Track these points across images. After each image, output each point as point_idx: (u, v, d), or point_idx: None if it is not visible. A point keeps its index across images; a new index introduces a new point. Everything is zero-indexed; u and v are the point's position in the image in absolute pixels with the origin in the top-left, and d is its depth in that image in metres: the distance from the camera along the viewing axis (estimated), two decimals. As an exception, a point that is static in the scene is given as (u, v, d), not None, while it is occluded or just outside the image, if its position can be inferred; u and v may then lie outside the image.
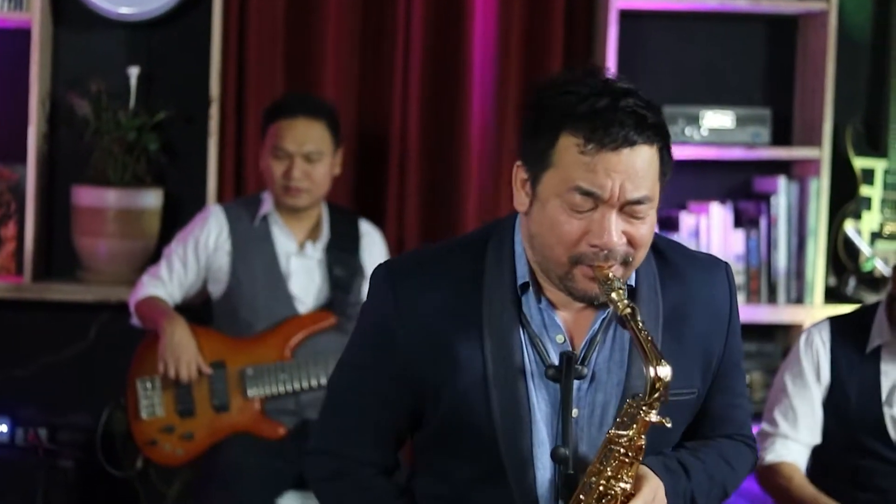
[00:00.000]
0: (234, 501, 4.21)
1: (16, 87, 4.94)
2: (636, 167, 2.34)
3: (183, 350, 4.29)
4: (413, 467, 2.66)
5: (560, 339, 2.46)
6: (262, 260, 4.45)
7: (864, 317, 3.85)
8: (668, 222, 5.11)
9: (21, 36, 4.89)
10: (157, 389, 4.39)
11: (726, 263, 2.62)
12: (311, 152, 4.41)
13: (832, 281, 5.14)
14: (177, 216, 5.02)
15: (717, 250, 5.04)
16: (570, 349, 2.46)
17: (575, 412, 2.44)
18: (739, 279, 5.06)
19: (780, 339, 5.18)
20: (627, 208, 2.35)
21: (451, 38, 5.01)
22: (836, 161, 5.13)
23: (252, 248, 4.45)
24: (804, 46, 5.23)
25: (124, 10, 4.94)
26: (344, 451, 2.57)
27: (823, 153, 5.06)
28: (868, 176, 5.14)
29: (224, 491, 4.23)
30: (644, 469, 2.41)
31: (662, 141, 2.40)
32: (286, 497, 4.33)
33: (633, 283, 2.48)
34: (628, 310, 2.33)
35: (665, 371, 2.30)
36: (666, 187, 2.45)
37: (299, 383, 4.34)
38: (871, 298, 5.00)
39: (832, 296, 5.12)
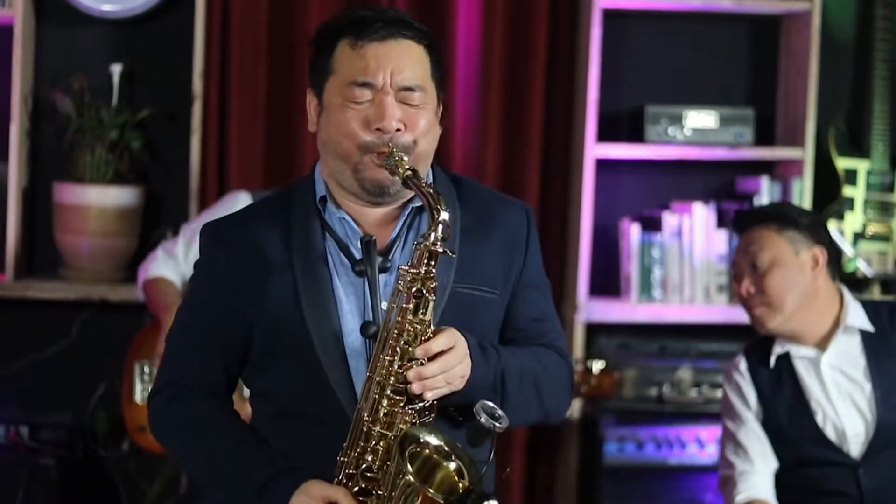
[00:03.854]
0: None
1: (-2, 84, 4.94)
2: (403, 57, 2.59)
3: None
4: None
5: (360, 241, 2.63)
6: None
7: (769, 338, 3.87)
8: (650, 222, 5.11)
9: (3, 33, 4.88)
10: (152, 375, 4.38)
11: (527, 206, 2.81)
12: None
13: (815, 281, 5.14)
14: (159, 214, 5.02)
15: (699, 250, 5.05)
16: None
17: (384, 305, 2.58)
18: (722, 280, 5.06)
19: (763, 339, 5.19)
20: (402, 95, 2.58)
21: (434, 37, 5.00)
22: (819, 161, 5.14)
23: None
24: (787, 47, 5.23)
25: (107, 8, 4.93)
26: (177, 381, 2.71)
27: (806, 153, 5.07)
28: (851, 176, 5.15)
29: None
30: (448, 326, 2.52)
31: (427, 40, 2.66)
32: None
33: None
34: (409, 171, 2.52)
35: (445, 214, 2.47)
36: (442, 89, 2.66)
37: None
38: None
39: (814, 296, 5.12)
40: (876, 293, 5.07)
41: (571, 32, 5.12)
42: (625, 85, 5.23)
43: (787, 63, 5.24)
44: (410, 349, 2.47)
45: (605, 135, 5.02)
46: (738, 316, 5.04)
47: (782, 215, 3.80)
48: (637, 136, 5.08)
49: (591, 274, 5.02)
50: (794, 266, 3.75)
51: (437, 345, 2.47)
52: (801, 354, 3.79)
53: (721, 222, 5.10)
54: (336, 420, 2.54)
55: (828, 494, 3.73)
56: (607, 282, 5.13)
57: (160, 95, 5.02)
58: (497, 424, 2.47)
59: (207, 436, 2.67)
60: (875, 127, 5.14)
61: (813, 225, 3.79)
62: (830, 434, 3.73)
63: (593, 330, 5.05)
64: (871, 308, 3.82)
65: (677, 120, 5.06)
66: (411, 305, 2.47)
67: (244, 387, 4.27)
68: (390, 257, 2.62)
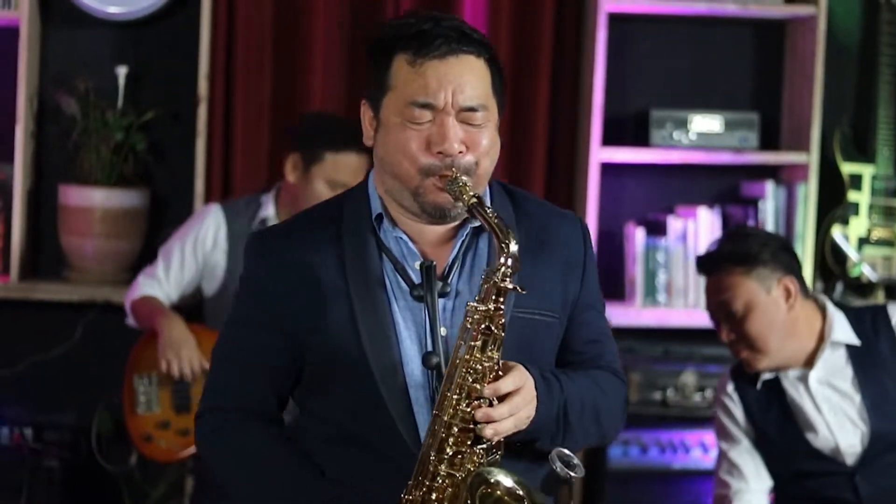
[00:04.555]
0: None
1: (3, 85, 4.94)
2: (465, 75, 2.49)
3: (183, 346, 4.29)
4: (297, 422, 2.69)
5: (419, 265, 2.55)
6: None
7: None
8: (655, 226, 5.11)
9: (9, 34, 4.88)
10: (153, 385, 4.39)
11: (582, 220, 2.72)
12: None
13: (819, 286, 5.14)
14: (164, 216, 5.02)
15: (704, 254, 5.04)
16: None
17: (443, 331, 2.51)
18: (726, 283, 5.06)
19: (767, 343, 5.18)
20: (463, 115, 2.49)
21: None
22: (824, 166, 5.13)
23: None
24: (793, 51, 5.23)
25: (113, 10, 4.93)
26: (226, 405, 2.62)
27: (811, 158, 5.07)
28: (856, 181, 5.15)
29: (218, 496, 4.25)
30: (514, 363, 2.46)
31: (488, 53, 2.55)
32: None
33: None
34: (474, 199, 2.44)
35: (514, 245, 2.39)
36: (504, 102, 2.59)
37: None
38: (858, 304, 5.00)
39: (819, 301, 5.12)
40: (880, 298, 5.06)
41: (577, 37, 5.12)
42: (630, 89, 5.23)
43: (792, 67, 5.24)
44: (478, 387, 2.40)
45: (609, 139, 5.02)
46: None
47: (745, 256, 3.73)
48: (642, 140, 5.07)
49: (595, 278, 5.01)
50: (769, 305, 3.72)
51: (506, 385, 2.41)
52: (788, 375, 3.79)
53: (726, 226, 5.10)
54: (395, 452, 2.49)
55: (827, 502, 3.73)
56: (612, 286, 5.13)
57: (165, 97, 5.02)
58: (572, 473, 2.42)
59: (263, 466, 2.58)
60: (880, 132, 5.14)
61: (775, 254, 3.74)
62: (823, 448, 3.73)
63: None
64: (853, 317, 3.81)
65: (682, 124, 5.06)
66: (479, 343, 2.40)
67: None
68: (449, 281, 2.54)
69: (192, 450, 4.39)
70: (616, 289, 5.13)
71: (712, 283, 3.79)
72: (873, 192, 5.15)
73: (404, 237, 2.56)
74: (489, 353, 2.41)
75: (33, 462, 4.62)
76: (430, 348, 2.51)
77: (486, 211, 2.43)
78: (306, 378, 2.61)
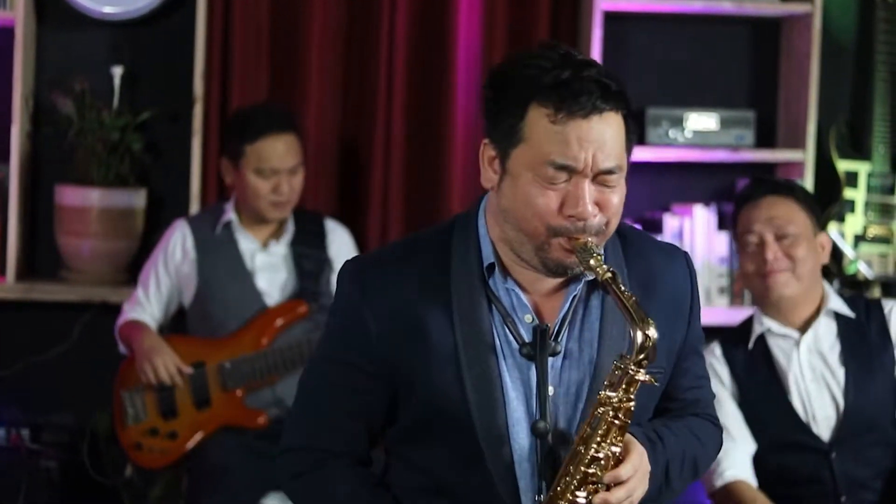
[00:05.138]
0: (220, 502, 4.27)
1: (-1, 85, 4.94)
2: (605, 135, 2.38)
3: (156, 353, 4.36)
4: (387, 462, 2.63)
5: (529, 318, 2.47)
6: (227, 260, 4.50)
7: (746, 322, 3.96)
8: (651, 224, 5.11)
9: (5, 34, 4.87)
10: (139, 395, 4.45)
11: (685, 252, 2.65)
12: (293, 166, 4.48)
13: (815, 283, 5.14)
14: (161, 216, 5.02)
15: (700, 253, 5.05)
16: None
17: (551, 390, 2.44)
18: (723, 282, 5.07)
19: (763, 341, 5.19)
20: (600, 178, 2.38)
21: (435, 41, 5.01)
22: (820, 164, 5.14)
23: (216, 250, 4.51)
24: (788, 49, 5.23)
25: (108, 10, 4.93)
26: (316, 445, 2.55)
27: (807, 156, 5.07)
28: (852, 179, 5.15)
29: (211, 492, 4.28)
30: (629, 436, 2.41)
31: (626, 108, 2.44)
32: (271, 497, 4.34)
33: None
34: (609, 274, 2.35)
35: (652, 330, 2.32)
36: (650, 187, 2.49)
37: (276, 370, 4.39)
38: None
39: (815, 298, 5.12)
40: (876, 295, 5.06)
41: (572, 35, 5.12)
42: (625, 87, 5.22)
43: (787, 65, 5.24)
44: (599, 473, 2.36)
45: (605, 137, 5.01)
46: (739, 318, 5.04)
47: (809, 198, 3.91)
48: (638, 138, 5.05)
49: (592, 276, 5.01)
50: (813, 245, 3.85)
51: (625, 472, 2.37)
52: (782, 332, 3.85)
53: (722, 224, 5.10)
54: None
55: (802, 482, 3.76)
56: (608, 284, 5.13)
57: (161, 97, 5.02)
58: None
59: None
60: (876, 129, 5.14)
61: (818, 214, 3.92)
62: (800, 412, 3.77)
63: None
64: (848, 301, 3.91)
65: (678, 122, 5.06)
66: (604, 430, 2.37)
67: (230, 380, 4.33)
68: (559, 339, 2.46)
69: (181, 454, 4.42)
70: (613, 287, 5.13)
71: (765, 205, 3.85)
72: (869, 189, 5.15)
73: (516, 289, 2.47)
74: (612, 440, 2.37)
75: (31, 463, 4.62)
76: (536, 409, 2.44)
77: (621, 290, 2.35)
78: (404, 424, 2.53)
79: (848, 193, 5.14)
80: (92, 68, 4.99)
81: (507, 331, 2.45)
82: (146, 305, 4.51)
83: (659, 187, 5.26)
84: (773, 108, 5.28)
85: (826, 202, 5.15)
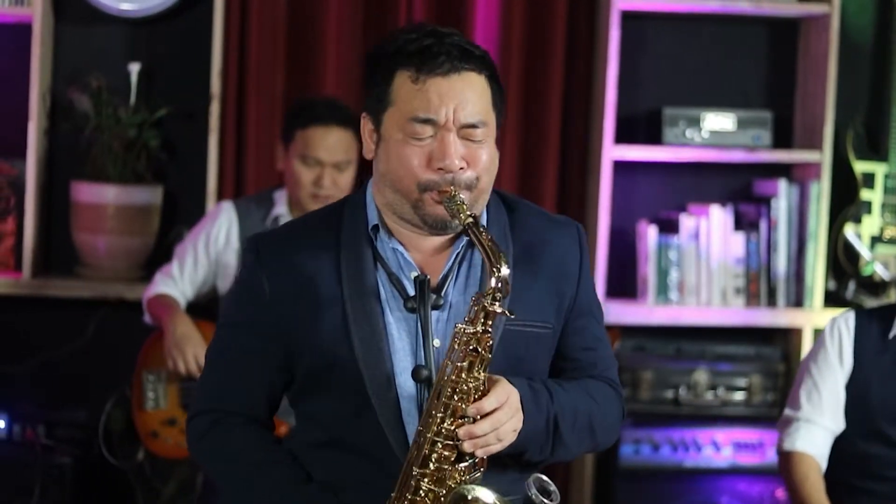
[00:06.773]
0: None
1: (16, 82, 4.94)
2: (466, 92, 2.53)
3: (187, 343, 4.29)
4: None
5: (414, 275, 2.59)
6: None
7: (891, 308, 3.85)
8: (668, 224, 5.11)
9: (22, 31, 4.88)
10: (162, 382, 4.43)
11: (578, 224, 2.77)
12: (340, 161, 4.37)
13: (832, 285, 5.14)
14: (176, 213, 5.02)
15: (716, 253, 5.04)
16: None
17: (437, 343, 2.56)
18: (739, 282, 5.06)
19: (779, 342, 5.18)
20: (464, 132, 2.53)
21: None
22: (837, 164, 5.12)
23: None
24: (806, 49, 5.22)
25: (125, 6, 4.94)
26: (219, 407, 2.66)
27: (824, 156, 5.06)
28: (868, 180, 5.14)
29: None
30: (499, 376, 2.50)
31: (489, 70, 2.58)
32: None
33: (485, 224, 2.62)
34: (470, 219, 2.48)
35: (504, 267, 2.44)
36: (503, 118, 2.63)
37: None
38: (870, 303, 5.00)
39: (832, 300, 5.11)
40: (893, 296, 5.06)
41: (589, 34, 5.12)
42: (643, 87, 5.22)
43: (805, 65, 5.23)
44: (463, 406, 2.44)
45: (622, 137, 5.01)
46: (755, 318, 5.05)
47: None
48: (655, 138, 5.07)
49: (607, 276, 5.01)
50: None
51: (488, 404, 2.44)
52: None
53: (738, 225, 5.10)
54: (384, 460, 2.54)
55: (878, 477, 3.71)
56: (624, 284, 5.13)
57: (178, 94, 5.02)
58: (547, 501, 2.46)
59: (251, 470, 2.63)
60: (893, 130, 5.13)
61: None
62: None
63: (609, 332, 5.03)
64: None
65: (695, 122, 5.05)
66: (466, 363, 2.44)
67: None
68: (443, 293, 2.59)
69: None
70: (628, 287, 5.13)
71: None
72: (886, 190, 5.14)
73: (400, 248, 2.61)
74: (475, 374, 2.45)
75: (45, 459, 4.62)
76: (422, 360, 2.55)
77: (479, 232, 2.48)
78: (299, 381, 2.65)
79: (865, 194, 5.13)
80: (109, 65, 4.99)
81: (393, 287, 2.58)
82: (178, 282, 4.45)
83: (675, 187, 5.25)
84: (790, 109, 5.27)
85: (843, 203, 5.14)
